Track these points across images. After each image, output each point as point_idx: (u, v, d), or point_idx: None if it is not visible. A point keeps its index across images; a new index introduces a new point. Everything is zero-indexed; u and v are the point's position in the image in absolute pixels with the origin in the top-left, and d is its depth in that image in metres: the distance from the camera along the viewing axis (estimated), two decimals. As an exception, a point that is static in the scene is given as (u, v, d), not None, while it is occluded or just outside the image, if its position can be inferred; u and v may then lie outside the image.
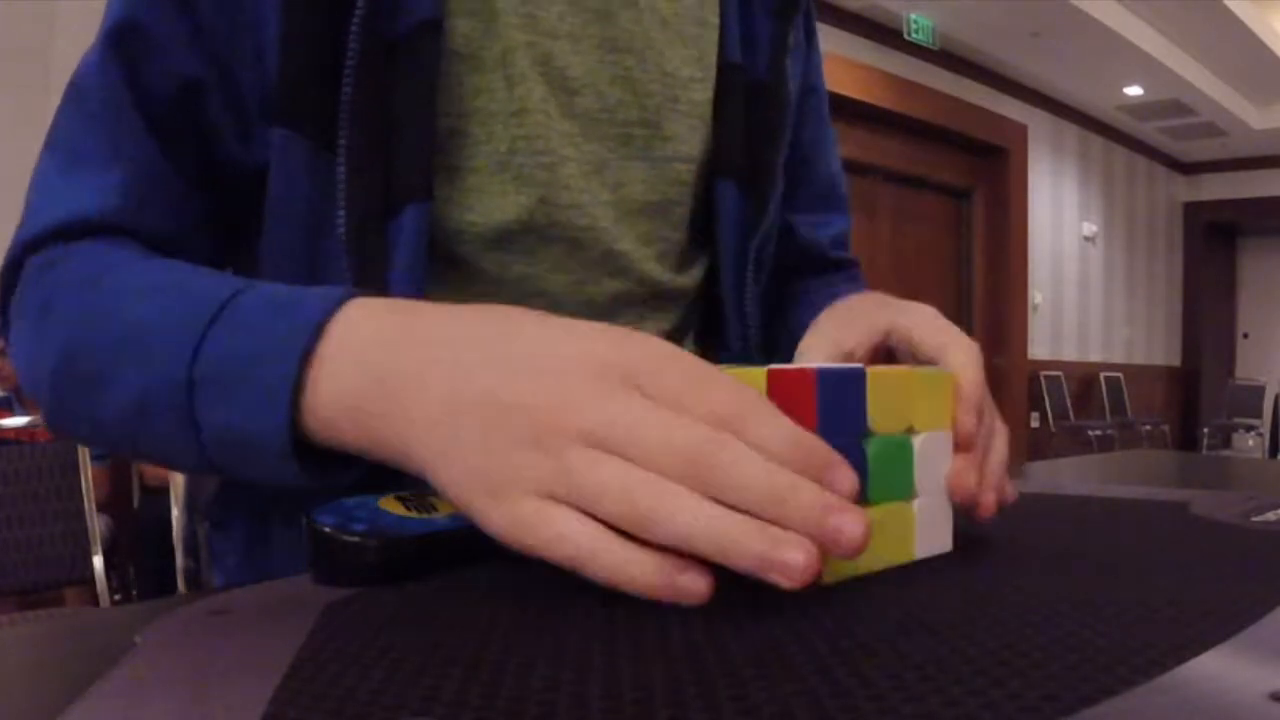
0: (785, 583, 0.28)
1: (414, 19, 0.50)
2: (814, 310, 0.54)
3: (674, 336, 0.64)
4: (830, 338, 0.50)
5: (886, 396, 0.36)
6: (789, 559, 0.28)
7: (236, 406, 0.39)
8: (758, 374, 0.34)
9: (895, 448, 0.36)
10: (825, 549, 0.29)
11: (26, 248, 0.50)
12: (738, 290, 0.64)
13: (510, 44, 0.54)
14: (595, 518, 0.30)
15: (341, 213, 0.49)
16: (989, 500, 0.40)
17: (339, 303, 0.39)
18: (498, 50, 0.54)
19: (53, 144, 0.52)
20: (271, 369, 0.38)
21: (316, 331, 0.38)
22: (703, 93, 0.62)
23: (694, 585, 0.30)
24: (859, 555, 0.29)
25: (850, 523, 0.29)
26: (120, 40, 0.50)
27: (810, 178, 0.74)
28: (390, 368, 0.36)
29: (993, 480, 0.41)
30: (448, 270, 0.55)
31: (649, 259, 0.61)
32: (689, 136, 0.61)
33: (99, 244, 0.49)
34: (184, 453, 0.42)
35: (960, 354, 0.45)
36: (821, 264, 0.75)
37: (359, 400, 0.37)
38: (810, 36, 0.73)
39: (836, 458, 0.31)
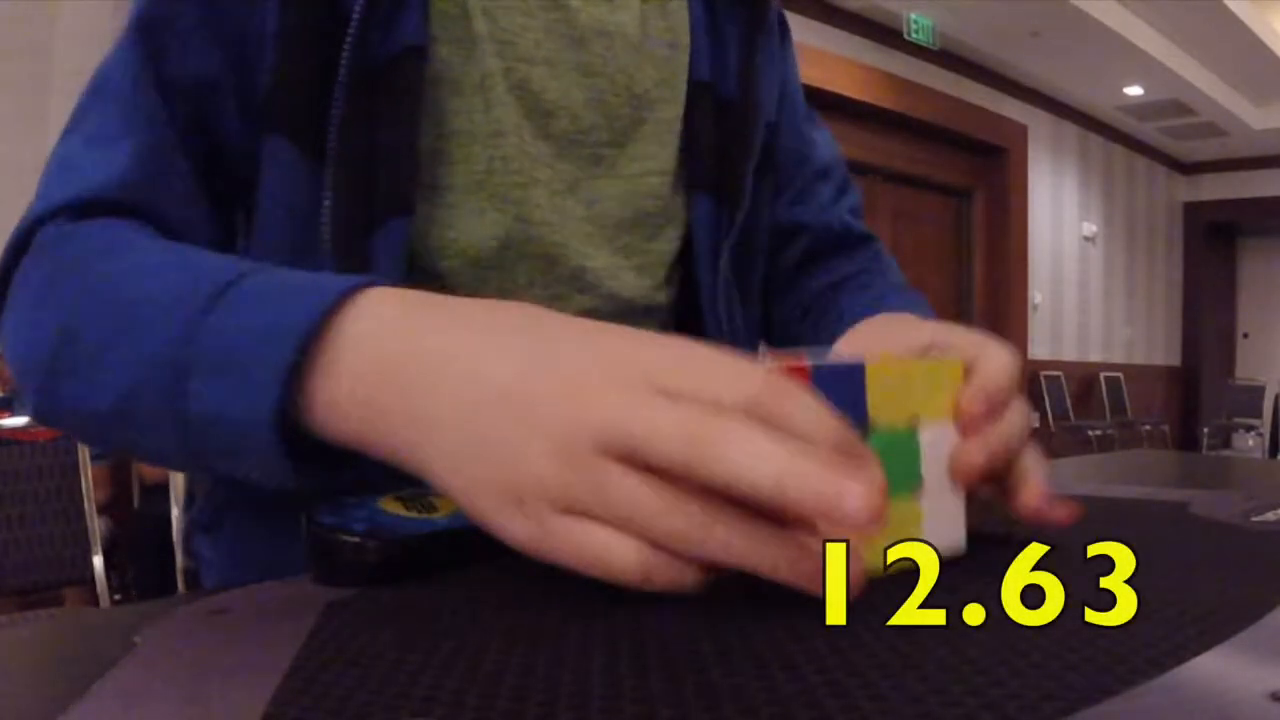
0: (847, 521, 0.26)
1: (400, 44, 0.52)
2: (853, 317, 0.55)
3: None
4: (867, 346, 0.50)
5: (888, 388, 0.35)
6: (850, 490, 0.26)
7: (227, 389, 0.37)
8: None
9: (898, 442, 0.35)
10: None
11: (37, 221, 0.49)
12: (713, 299, 0.65)
13: (489, 69, 0.56)
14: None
15: (326, 224, 0.51)
16: (1029, 498, 0.38)
17: (356, 288, 0.37)
18: (477, 75, 0.56)
19: (71, 126, 0.53)
20: (270, 350, 0.36)
21: (325, 314, 0.36)
22: (672, 110, 0.64)
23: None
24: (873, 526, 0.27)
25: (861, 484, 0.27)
26: (147, 30, 0.52)
27: (807, 168, 0.75)
28: (401, 360, 0.35)
29: (1001, 454, 0.38)
30: (428, 285, 0.55)
31: (627, 272, 0.62)
32: (659, 152, 0.63)
33: (109, 221, 0.49)
34: (167, 440, 0.40)
35: (994, 349, 0.43)
36: (840, 240, 0.76)
37: (365, 390, 0.35)
38: (785, 42, 0.74)
39: (867, 452, 0.30)
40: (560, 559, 0.30)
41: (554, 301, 0.59)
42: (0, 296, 0.50)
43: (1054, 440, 6.43)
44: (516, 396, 0.32)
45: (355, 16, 0.51)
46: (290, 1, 0.51)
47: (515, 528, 0.31)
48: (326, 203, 0.51)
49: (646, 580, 0.30)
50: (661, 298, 0.65)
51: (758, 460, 0.28)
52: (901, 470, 0.35)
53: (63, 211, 0.49)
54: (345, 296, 0.36)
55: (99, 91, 0.53)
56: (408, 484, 0.41)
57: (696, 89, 0.65)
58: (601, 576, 0.30)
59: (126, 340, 0.40)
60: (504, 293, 0.57)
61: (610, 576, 0.30)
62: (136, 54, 0.52)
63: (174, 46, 0.52)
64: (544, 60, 0.58)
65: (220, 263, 0.42)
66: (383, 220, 0.52)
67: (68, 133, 0.53)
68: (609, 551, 0.30)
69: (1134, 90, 6.36)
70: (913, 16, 5.16)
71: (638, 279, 0.63)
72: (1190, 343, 8.30)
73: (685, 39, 0.65)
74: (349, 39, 0.50)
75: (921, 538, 0.36)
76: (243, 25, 0.52)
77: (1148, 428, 7.14)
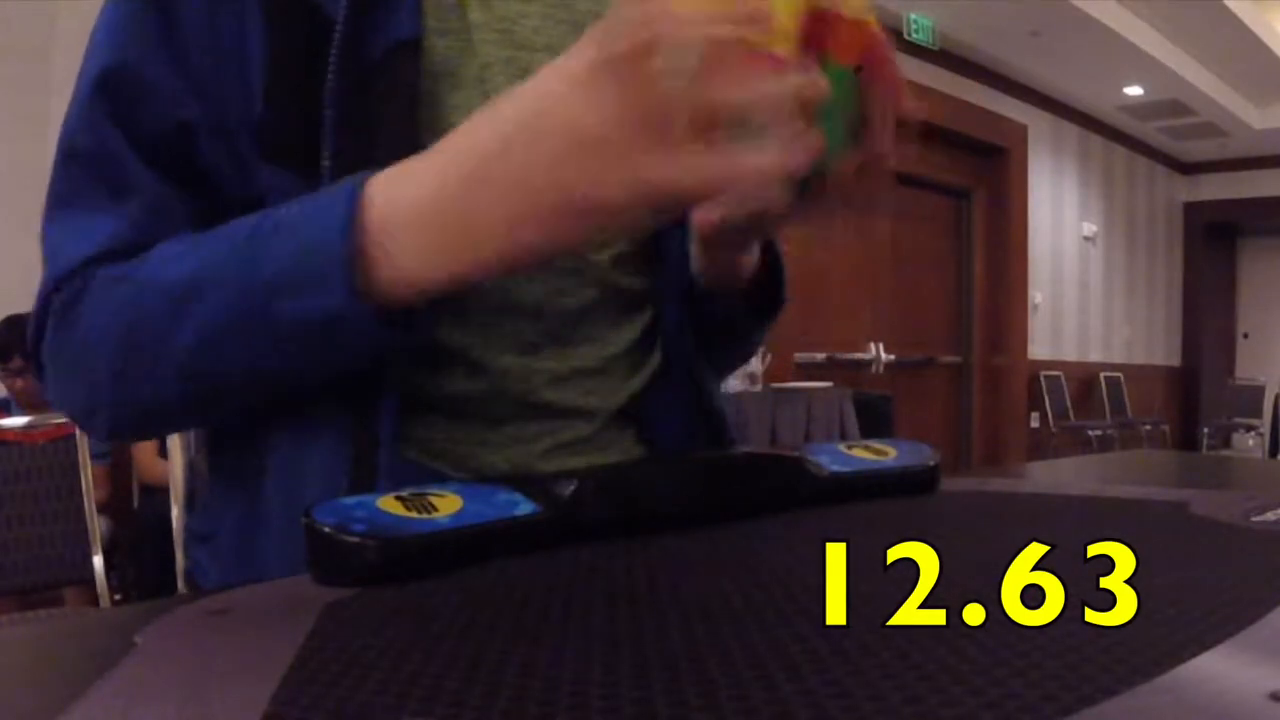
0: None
1: (392, 39, 0.52)
2: None
3: (644, 342, 0.65)
4: None
5: None
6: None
7: (310, 296, 0.44)
8: None
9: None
10: None
11: (49, 293, 0.52)
12: (679, 283, 0.65)
13: (488, 59, 0.55)
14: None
15: None
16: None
17: (359, 187, 0.44)
18: (476, 66, 0.55)
19: (52, 203, 0.53)
20: (323, 234, 0.43)
21: (352, 217, 0.43)
22: None
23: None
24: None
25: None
26: (107, 87, 0.51)
27: None
28: (426, 189, 0.43)
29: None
30: None
31: (629, 262, 0.62)
32: None
33: (115, 263, 0.51)
34: (259, 375, 0.48)
35: None
36: None
37: (427, 205, 0.43)
38: None
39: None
40: (712, 175, 0.39)
41: (555, 295, 0.59)
42: (38, 367, 0.54)
43: (1054, 440, 6.42)
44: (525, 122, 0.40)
45: (341, 18, 0.50)
46: (276, 20, 0.51)
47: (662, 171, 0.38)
48: None
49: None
50: (642, 284, 0.65)
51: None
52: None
53: (68, 276, 0.51)
54: (356, 197, 0.44)
55: (70, 157, 0.52)
56: (408, 484, 0.41)
57: None
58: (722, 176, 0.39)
59: (189, 305, 0.46)
60: (504, 287, 0.57)
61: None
62: (102, 115, 0.51)
63: (143, 101, 0.51)
64: (545, 47, 0.57)
65: (234, 223, 0.47)
66: None
67: (50, 210, 0.53)
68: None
69: (1134, 90, 6.35)
70: (913, 16, 5.16)
71: (615, 270, 0.62)
72: (1190, 343, 8.29)
73: None
74: (335, 42, 0.50)
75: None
76: (218, 60, 0.51)
77: (1148, 428, 7.13)
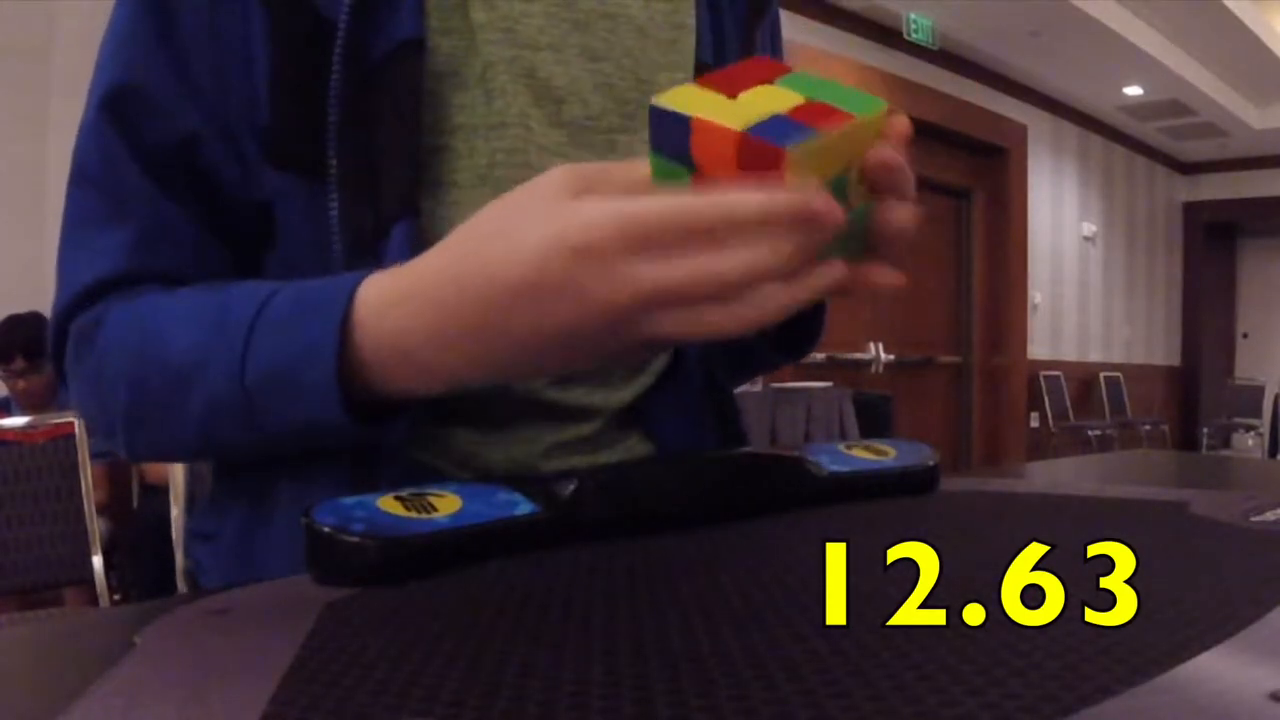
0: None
1: (395, 39, 0.52)
2: None
3: None
4: None
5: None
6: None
7: (292, 403, 0.45)
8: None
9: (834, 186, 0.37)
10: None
11: (64, 316, 0.54)
12: None
13: (491, 59, 0.55)
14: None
15: (337, 238, 0.52)
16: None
17: (355, 288, 0.44)
18: (479, 66, 0.55)
19: (66, 224, 0.54)
20: (314, 367, 0.44)
21: (342, 325, 0.43)
22: None
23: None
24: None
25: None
26: (115, 106, 0.52)
27: None
28: (410, 326, 0.42)
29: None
30: None
31: None
32: None
33: (128, 296, 0.52)
34: (249, 450, 0.50)
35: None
36: None
37: (405, 339, 0.42)
38: (774, 38, 0.74)
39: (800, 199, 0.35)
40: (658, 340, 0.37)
41: None
42: (60, 375, 0.56)
43: (1054, 440, 6.43)
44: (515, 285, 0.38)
45: (342, 19, 0.50)
46: (279, 23, 0.51)
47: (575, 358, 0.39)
48: (334, 215, 0.51)
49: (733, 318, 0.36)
50: None
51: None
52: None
53: (81, 301, 0.53)
54: (349, 302, 0.44)
55: (81, 177, 0.54)
56: (408, 484, 0.41)
57: (701, 69, 0.64)
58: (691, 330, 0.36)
59: (187, 392, 0.48)
60: None
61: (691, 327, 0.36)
62: (110, 134, 0.52)
63: (148, 116, 0.52)
64: (548, 46, 0.57)
65: (240, 294, 0.48)
66: (390, 225, 0.52)
67: (64, 228, 0.54)
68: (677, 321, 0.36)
69: (1134, 90, 6.35)
70: (912, 16, 5.16)
71: None
72: (1190, 343, 8.29)
73: (690, 20, 0.64)
74: (338, 44, 0.50)
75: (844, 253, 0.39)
76: (221, 66, 0.52)
77: (1148, 428, 7.13)
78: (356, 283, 0.44)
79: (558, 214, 0.37)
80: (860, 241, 0.41)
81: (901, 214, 0.41)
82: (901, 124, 0.41)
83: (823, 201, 0.35)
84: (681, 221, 0.35)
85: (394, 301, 0.43)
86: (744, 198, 0.35)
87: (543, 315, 0.38)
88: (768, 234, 0.35)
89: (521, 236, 0.38)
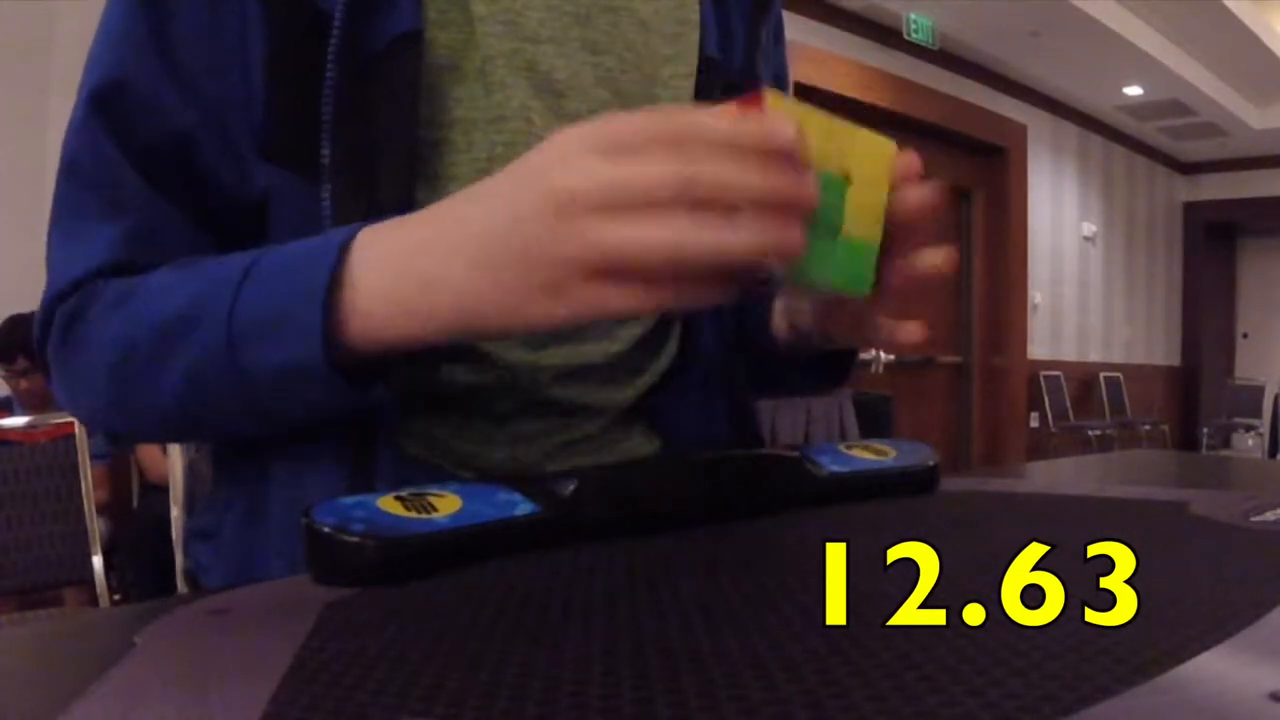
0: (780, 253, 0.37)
1: (393, 32, 0.51)
2: None
3: (655, 339, 0.64)
4: None
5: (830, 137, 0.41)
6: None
7: (277, 347, 0.44)
8: None
9: (830, 184, 0.40)
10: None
11: (51, 306, 0.53)
12: None
13: (491, 52, 0.55)
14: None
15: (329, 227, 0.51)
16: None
17: (349, 241, 0.44)
18: (478, 59, 0.55)
19: (55, 217, 0.54)
20: (303, 308, 0.43)
21: (334, 273, 0.43)
22: (685, 88, 0.63)
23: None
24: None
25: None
26: (105, 102, 0.52)
27: None
28: (400, 267, 0.43)
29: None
30: None
31: None
32: None
33: (116, 280, 0.52)
34: (234, 406, 0.48)
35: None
36: None
37: (385, 292, 0.43)
38: (778, 37, 0.74)
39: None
40: (608, 314, 0.38)
41: None
42: (44, 369, 0.56)
43: (1054, 440, 6.42)
44: (503, 227, 0.39)
45: (338, 12, 0.50)
46: (276, 17, 0.51)
47: (558, 311, 0.38)
48: (326, 210, 0.51)
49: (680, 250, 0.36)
50: None
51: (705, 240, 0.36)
52: (828, 209, 0.41)
53: (71, 290, 0.52)
54: (343, 251, 0.44)
55: (71, 174, 0.53)
56: (407, 484, 0.41)
57: (707, 65, 0.64)
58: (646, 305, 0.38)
59: (175, 344, 0.47)
60: None
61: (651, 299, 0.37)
62: (100, 130, 0.51)
63: (139, 113, 0.51)
64: (550, 39, 0.57)
65: (230, 259, 0.48)
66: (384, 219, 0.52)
67: (54, 223, 0.54)
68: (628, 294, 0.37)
69: (1134, 90, 6.35)
70: (912, 16, 5.16)
71: None
72: (1190, 343, 8.29)
73: (695, 15, 0.64)
74: (334, 37, 0.50)
75: (834, 272, 0.42)
76: (217, 61, 0.51)
77: (1147, 428, 7.13)
78: (353, 233, 0.45)
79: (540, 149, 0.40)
80: (864, 277, 0.44)
81: (922, 192, 0.42)
82: (914, 161, 0.43)
83: (789, 134, 0.36)
84: (651, 127, 0.37)
85: (389, 227, 0.45)
86: (714, 118, 0.37)
87: (499, 198, 0.40)
88: (735, 157, 0.36)
89: (501, 174, 0.41)
